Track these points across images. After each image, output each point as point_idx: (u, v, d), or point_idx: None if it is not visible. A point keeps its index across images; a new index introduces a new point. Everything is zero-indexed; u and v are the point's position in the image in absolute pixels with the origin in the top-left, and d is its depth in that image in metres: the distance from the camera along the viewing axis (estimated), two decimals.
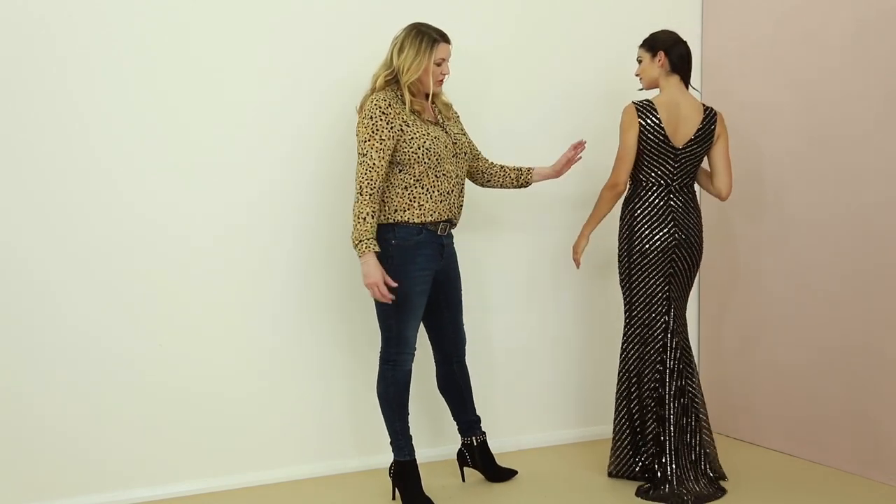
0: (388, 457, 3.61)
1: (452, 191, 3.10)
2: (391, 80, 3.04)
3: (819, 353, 3.66)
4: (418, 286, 3.07)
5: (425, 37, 3.02)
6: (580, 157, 3.44)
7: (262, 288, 3.44)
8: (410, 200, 3.02)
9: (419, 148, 2.99)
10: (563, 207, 3.98)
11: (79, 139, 3.15)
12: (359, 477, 3.53)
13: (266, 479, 3.44)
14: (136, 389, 3.25)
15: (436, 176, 3.04)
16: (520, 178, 3.42)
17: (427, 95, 3.08)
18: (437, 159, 3.02)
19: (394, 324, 3.09)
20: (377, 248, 2.96)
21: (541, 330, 3.99)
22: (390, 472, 3.22)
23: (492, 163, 3.40)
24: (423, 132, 3.01)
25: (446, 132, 3.12)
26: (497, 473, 3.41)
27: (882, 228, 3.40)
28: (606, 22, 4.03)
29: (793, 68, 3.77)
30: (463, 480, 3.42)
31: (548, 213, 3.97)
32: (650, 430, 3.34)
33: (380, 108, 2.95)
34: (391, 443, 3.19)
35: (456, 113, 3.29)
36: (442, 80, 3.09)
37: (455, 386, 3.34)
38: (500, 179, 3.40)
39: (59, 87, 3.11)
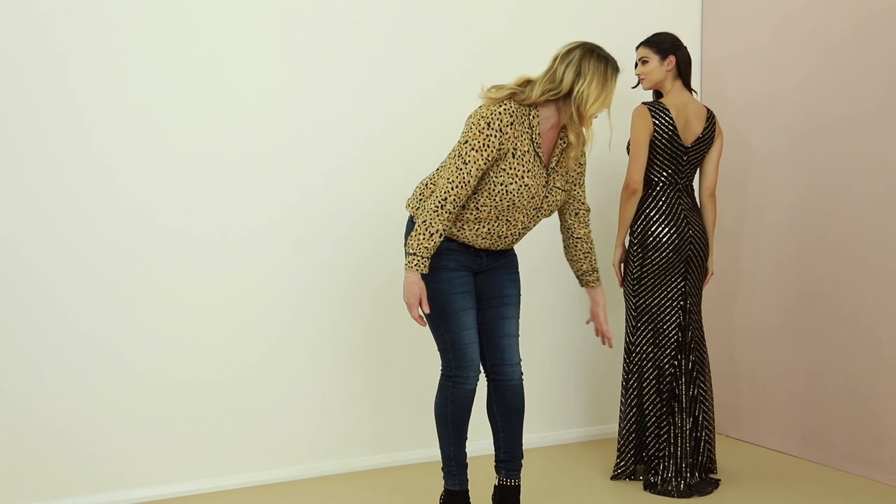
0: (389, 456, 3.63)
1: (507, 237, 2.74)
2: (553, 100, 2.65)
3: (819, 353, 3.67)
4: (458, 287, 2.70)
5: (609, 65, 2.65)
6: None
7: (262, 288, 3.44)
8: (456, 220, 2.69)
9: (501, 184, 2.62)
10: None
11: (81, 138, 3.13)
12: (360, 476, 3.53)
13: (266, 479, 3.44)
14: (136, 389, 3.24)
15: (497, 217, 2.68)
16: (583, 279, 2.97)
17: (568, 129, 2.67)
18: (508, 205, 2.65)
19: (445, 333, 2.74)
20: (426, 270, 2.59)
21: (544, 329, 3.99)
22: (440, 502, 2.91)
23: (582, 235, 2.91)
24: (520, 173, 2.62)
25: (547, 182, 2.72)
26: None
27: (881, 228, 3.41)
28: (606, 22, 4.03)
29: (793, 68, 3.77)
30: None
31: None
32: (665, 425, 3.35)
33: (502, 121, 2.57)
34: (442, 468, 2.86)
35: (584, 154, 2.80)
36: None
37: (490, 409, 2.87)
38: (573, 259, 2.95)
39: (61, 86, 3.09)
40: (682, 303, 3.39)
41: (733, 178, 4.06)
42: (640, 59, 3.43)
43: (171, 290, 3.29)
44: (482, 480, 3.23)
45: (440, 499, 2.90)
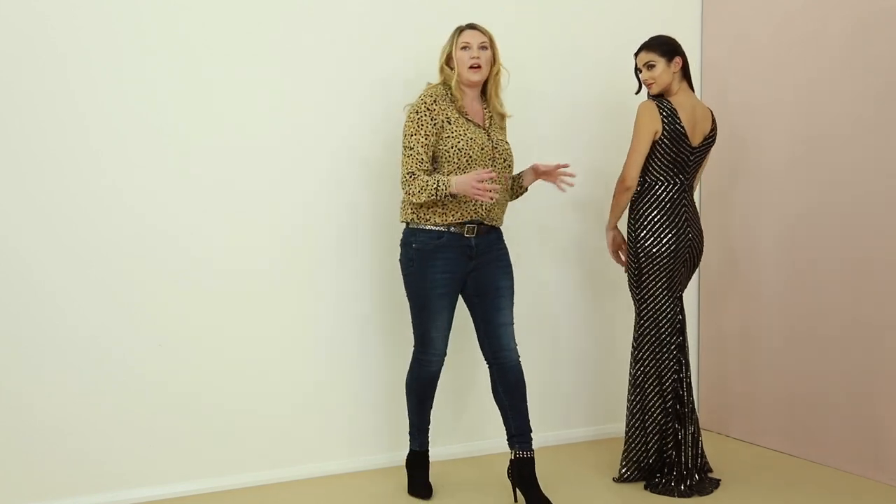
0: (386, 457, 3.62)
1: None
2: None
3: (819, 353, 3.67)
4: (438, 289, 3.08)
5: (455, 27, 3.16)
6: (567, 182, 3.25)
7: (263, 288, 3.44)
8: (438, 203, 3.04)
9: (452, 147, 3.03)
10: (571, 207, 3.99)
11: (80, 138, 3.13)
12: (362, 476, 3.53)
13: (266, 479, 3.44)
14: (136, 389, 3.24)
15: None
16: (515, 190, 3.35)
17: (481, 89, 3.18)
18: (467, 161, 3.04)
19: (418, 323, 3.17)
20: (452, 182, 2.94)
21: (548, 328, 3.99)
22: (406, 461, 3.35)
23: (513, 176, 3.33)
24: (461, 132, 3.05)
25: (489, 136, 3.12)
26: (532, 501, 3.07)
27: (881, 227, 3.41)
28: (606, 22, 4.03)
29: (792, 68, 3.77)
30: (515, 501, 3.19)
31: (556, 212, 3.98)
32: (670, 428, 3.35)
33: (425, 103, 3.05)
34: (409, 432, 3.32)
35: (501, 105, 3.25)
36: (473, 67, 3.08)
37: (496, 392, 3.18)
38: (511, 193, 3.36)
39: (61, 86, 3.09)
40: (680, 305, 3.40)
41: (732, 178, 4.06)
42: (644, 65, 3.34)
43: (171, 290, 3.29)
44: (493, 477, 3.24)
45: (406, 458, 3.33)
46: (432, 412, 3.31)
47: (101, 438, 3.20)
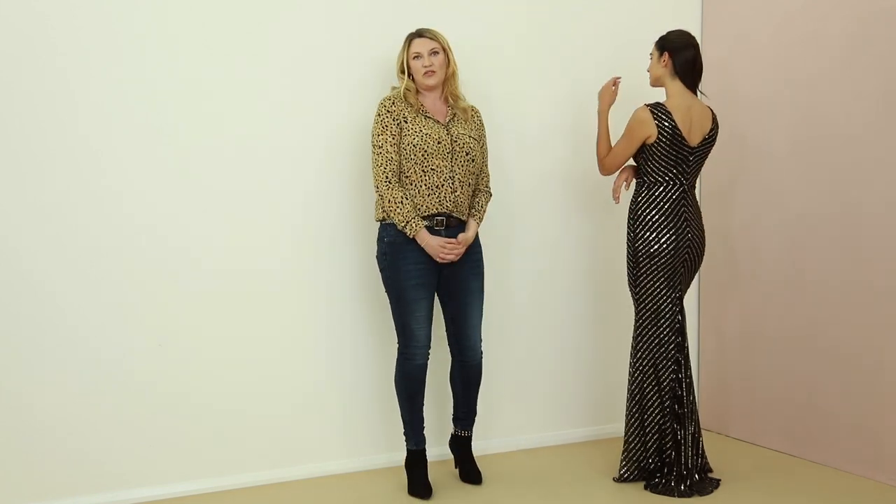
0: (386, 457, 3.63)
1: (443, 185, 3.20)
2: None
3: (819, 353, 3.67)
4: (412, 280, 3.20)
5: (406, 36, 3.29)
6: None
7: (262, 287, 3.44)
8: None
9: (409, 144, 3.19)
10: (574, 208, 3.99)
11: (80, 138, 3.13)
12: (362, 476, 3.53)
13: (266, 479, 3.44)
14: (136, 389, 3.24)
15: (423, 171, 3.18)
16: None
17: (442, 93, 3.32)
18: (423, 155, 3.18)
19: (398, 317, 3.27)
20: (422, 226, 3.16)
21: (549, 328, 3.99)
22: (405, 462, 3.39)
23: (475, 199, 3.36)
24: (417, 129, 3.20)
25: (447, 131, 3.24)
26: (464, 472, 3.45)
27: (881, 228, 3.41)
28: (607, 22, 4.03)
29: (793, 68, 3.77)
30: (455, 468, 3.52)
31: (559, 213, 3.98)
32: (669, 428, 3.35)
33: (385, 106, 3.23)
34: (403, 433, 3.37)
35: (477, 116, 3.39)
36: (428, 73, 3.23)
37: (453, 380, 3.46)
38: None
39: (61, 86, 3.09)
40: (679, 305, 3.39)
41: (732, 178, 4.06)
42: (649, 56, 3.46)
43: (171, 290, 3.29)
44: (491, 476, 3.23)
45: (405, 459, 3.38)
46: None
47: (101, 438, 3.20)
